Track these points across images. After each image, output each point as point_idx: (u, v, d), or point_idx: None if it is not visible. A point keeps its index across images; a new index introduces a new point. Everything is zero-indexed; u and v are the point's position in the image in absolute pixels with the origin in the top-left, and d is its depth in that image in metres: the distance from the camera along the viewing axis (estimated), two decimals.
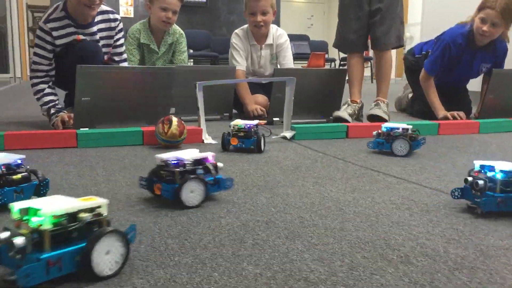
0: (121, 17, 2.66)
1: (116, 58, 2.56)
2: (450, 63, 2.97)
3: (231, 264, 0.79)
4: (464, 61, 2.96)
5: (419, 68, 3.10)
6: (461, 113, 2.84)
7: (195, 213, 1.07)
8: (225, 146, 1.87)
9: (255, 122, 1.86)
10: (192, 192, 1.11)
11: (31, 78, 2.38)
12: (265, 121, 2.74)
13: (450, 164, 1.66)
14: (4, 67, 7.25)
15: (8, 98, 4.46)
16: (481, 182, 1.07)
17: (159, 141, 1.90)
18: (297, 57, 6.30)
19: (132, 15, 8.91)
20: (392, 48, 2.89)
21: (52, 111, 2.30)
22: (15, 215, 0.71)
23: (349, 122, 2.65)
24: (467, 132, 2.45)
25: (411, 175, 1.49)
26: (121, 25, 2.53)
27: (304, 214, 1.07)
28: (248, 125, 1.83)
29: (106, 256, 0.72)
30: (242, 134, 1.83)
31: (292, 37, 5.84)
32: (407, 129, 1.81)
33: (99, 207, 0.76)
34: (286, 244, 0.88)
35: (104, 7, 2.47)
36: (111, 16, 2.49)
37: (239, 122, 1.84)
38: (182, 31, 3.02)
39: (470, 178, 1.10)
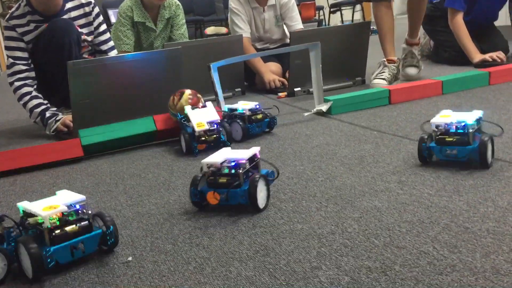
0: None
1: (104, 47, 2.21)
2: None
3: None
4: None
5: (440, 13, 2.79)
6: (500, 54, 2.52)
7: (327, 237, 0.78)
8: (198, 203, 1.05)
9: (247, 154, 1.04)
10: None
11: (11, 83, 2.04)
12: (286, 93, 2.43)
13: None
14: None
15: None
16: None
17: (171, 115, 1.67)
18: None
19: None
20: None
21: (48, 114, 1.97)
22: None
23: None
24: None
25: None
26: (97, 9, 2.18)
27: (434, 247, 0.79)
28: (234, 163, 1.02)
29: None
30: (223, 180, 1.01)
31: None
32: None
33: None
34: None
35: None
36: (83, 0, 2.14)
37: (214, 160, 1.03)
38: (178, 2, 2.63)
39: None
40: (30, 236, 0.82)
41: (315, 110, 1.91)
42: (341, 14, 8.38)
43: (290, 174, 1.22)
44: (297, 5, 7.31)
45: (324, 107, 1.87)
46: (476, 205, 0.92)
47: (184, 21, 2.68)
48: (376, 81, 2.33)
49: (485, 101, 1.81)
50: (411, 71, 2.53)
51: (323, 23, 8.09)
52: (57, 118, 1.95)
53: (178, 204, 1.10)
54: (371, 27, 2.79)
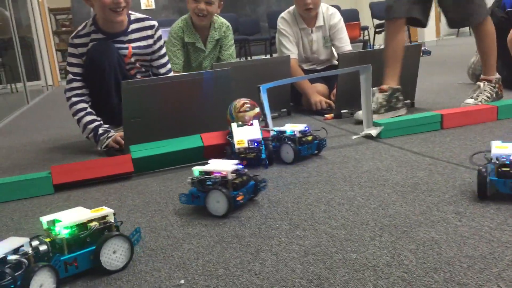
0: (143, 10, 2.37)
1: (162, 70, 2.26)
2: None
3: None
4: None
5: (510, 26, 2.64)
6: None
7: (383, 269, 0.76)
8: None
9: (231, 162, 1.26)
10: None
11: (68, 98, 2.12)
12: (332, 115, 2.42)
13: None
14: (35, 74, 7.09)
15: (45, 112, 4.25)
16: None
17: (227, 112, 1.72)
18: None
19: (153, 6, 8.62)
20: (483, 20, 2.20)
21: (100, 131, 2.03)
22: (44, 226, 0.92)
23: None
24: None
25: None
26: (159, 32, 2.24)
27: (499, 286, 0.75)
28: (242, 166, 1.24)
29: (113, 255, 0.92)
30: (240, 180, 1.22)
31: None
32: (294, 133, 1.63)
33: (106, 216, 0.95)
34: None
35: (138, 15, 2.22)
36: (147, 23, 2.21)
37: (228, 168, 1.21)
38: (228, 24, 2.69)
39: None
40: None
41: (363, 133, 1.88)
42: None
43: (341, 200, 1.20)
44: None
45: (373, 132, 1.84)
46: None
47: (232, 41, 2.72)
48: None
49: None
50: (468, 101, 2.29)
51: (368, 44, 8.04)
52: (109, 135, 2.01)
53: (228, 227, 1.09)
54: (423, 47, 2.73)
